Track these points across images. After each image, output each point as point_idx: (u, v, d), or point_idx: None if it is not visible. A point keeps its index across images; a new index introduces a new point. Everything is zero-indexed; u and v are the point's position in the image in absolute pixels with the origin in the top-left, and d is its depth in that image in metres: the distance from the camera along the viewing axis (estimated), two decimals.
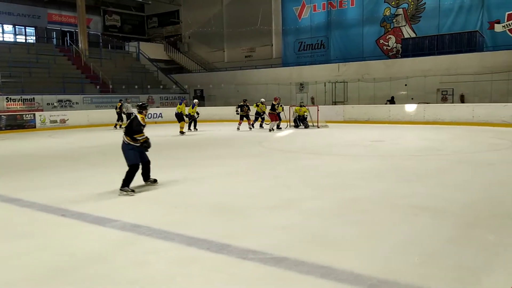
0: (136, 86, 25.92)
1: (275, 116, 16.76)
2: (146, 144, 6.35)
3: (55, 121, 20.37)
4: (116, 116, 19.70)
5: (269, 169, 8.22)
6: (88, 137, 15.98)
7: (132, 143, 6.22)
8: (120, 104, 19.69)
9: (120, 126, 19.23)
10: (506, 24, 20.83)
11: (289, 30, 27.68)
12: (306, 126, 17.20)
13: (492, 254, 3.58)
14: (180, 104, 16.72)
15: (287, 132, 16.17)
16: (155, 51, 31.82)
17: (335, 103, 22.93)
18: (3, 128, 18.61)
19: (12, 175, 8.14)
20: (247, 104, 17.68)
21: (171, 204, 5.46)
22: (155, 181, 6.60)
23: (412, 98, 20.29)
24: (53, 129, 19.55)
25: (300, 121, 17.43)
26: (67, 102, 22.10)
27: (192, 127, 17.33)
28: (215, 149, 11.74)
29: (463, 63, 19.50)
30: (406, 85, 21.03)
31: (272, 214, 4.96)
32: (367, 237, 4.12)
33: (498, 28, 21.06)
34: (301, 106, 17.80)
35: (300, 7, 27.09)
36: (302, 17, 27.21)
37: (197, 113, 17.15)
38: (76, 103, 22.46)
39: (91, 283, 3.23)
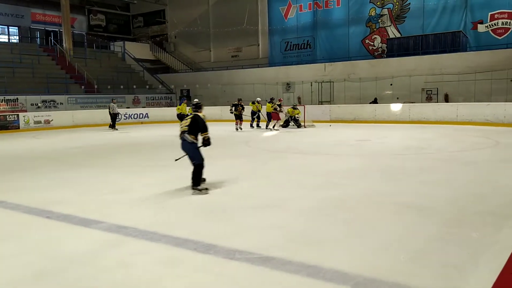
0: (121, 86, 25.70)
1: (278, 115, 17.05)
2: (208, 142, 6.32)
3: (39, 122, 20.09)
4: (109, 117, 19.34)
5: (256, 169, 8.22)
6: (73, 137, 15.80)
7: (195, 141, 6.24)
8: (114, 101, 19.79)
9: (111, 126, 19.16)
10: (489, 25, 21.17)
11: (276, 30, 27.74)
12: (299, 126, 17.40)
13: (476, 251, 3.63)
14: (180, 104, 16.33)
15: (274, 132, 16.20)
16: (141, 51, 31.59)
17: (321, 103, 23.04)
18: None
19: None
20: (242, 103, 17.50)
21: (159, 205, 5.43)
22: (203, 180, 6.46)
23: (397, 98, 20.50)
24: (37, 130, 19.28)
25: (293, 121, 17.63)
26: (52, 102, 21.81)
27: (254, 124, 17.60)
28: (202, 150, 11.68)
29: (447, 63, 19.77)
30: (391, 84, 21.24)
31: (259, 214, 4.96)
32: (354, 235, 4.15)
33: (481, 28, 21.40)
34: (294, 108, 17.84)
35: (286, 7, 27.16)
36: (288, 17, 27.29)
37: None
38: (61, 103, 22.18)
39: (76, 285, 3.20)
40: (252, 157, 9.98)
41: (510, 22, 20.69)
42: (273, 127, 16.87)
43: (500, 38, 20.84)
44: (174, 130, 18.03)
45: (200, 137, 6.25)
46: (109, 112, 19.14)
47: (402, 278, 3.14)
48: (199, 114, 6.31)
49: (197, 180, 6.12)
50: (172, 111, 24.84)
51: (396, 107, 19.09)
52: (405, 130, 15.20)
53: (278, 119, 17.14)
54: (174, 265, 3.51)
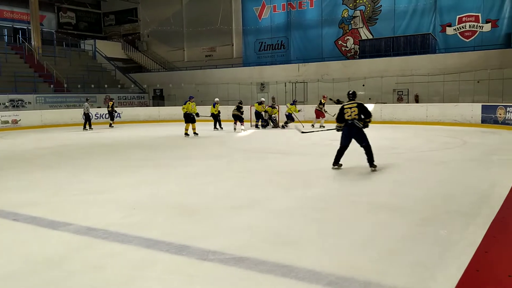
0: (92, 85, 25.19)
1: (322, 113, 17.16)
2: (367, 125, 7.36)
3: (7, 122, 19.48)
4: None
5: (231, 169, 8.19)
6: (42, 138, 15.38)
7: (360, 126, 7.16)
8: (112, 103, 19.95)
9: (111, 125, 19.67)
10: (457, 27, 21.79)
11: (250, 30, 27.76)
12: (275, 126, 17.53)
13: (445, 249, 3.71)
14: (185, 103, 15.05)
15: (250, 131, 16.19)
16: (113, 49, 31.04)
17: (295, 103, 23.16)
18: None
19: None
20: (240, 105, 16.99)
21: (131, 206, 5.32)
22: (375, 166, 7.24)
23: (369, 98, 20.84)
24: (4, 130, 18.67)
25: (271, 121, 17.71)
26: (19, 102, 21.19)
27: (218, 126, 17.35)
28: (178, 150, 11.59)
29: (417, 64, 20.24)
30: (363, 85, 21.57)
31: (234, 214, 4.94)
32: (328, 235, 4.18)
33: (449, 31, 22.01)
34: (272, 107, 17.95)
35: (260, 7, 27.23)
36: (262, 17, 27.36)
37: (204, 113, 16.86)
38: (29, 103, 21.56)
39: None
40: (227, 157, 9.94)
41: (477, 25, 21.35)
42: (319, 126, 16.67)
43: (467, 40, 21.49)
44: (146, 131, 17.90)
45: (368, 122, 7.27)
46: (84, 112, 18.66)
47: (374, 276, 3.18)
48: (359, 102, 7.26)
49: (372, 157, 7.17)
50: (145, 111, 24.63)
51: (368, 107, 19.37)
52: (377, 130, 15.44)
53: (323, 116, 17.16)
54: (145, 267, 3.45)
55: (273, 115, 17.84)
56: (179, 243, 3.91)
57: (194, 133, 14.79)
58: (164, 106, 26.41)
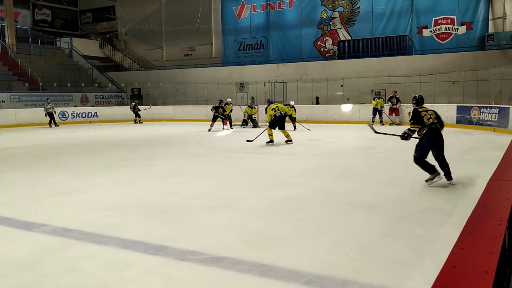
0: (68, 84, 24.71)
1: (397, 110, 17.20)
2: None
3: None
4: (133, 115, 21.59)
5: (208, 169, 8.15)
6: (16, 137, 15.01)
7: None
8: (134, 104, 21.50)
9: (140, 121, 21.25)
10: (433, 30, 22.22)
11: (229, 29, 27.70)
12: (255, 125, 17.59)
13: (421, 247, 3.77)
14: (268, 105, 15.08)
15: (227, 132, 16.15)
16: (90, 47, 30.50)
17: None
18: None
19: None
20: (222, 105, 16.68)
21: (107, 207, 5.24)
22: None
23: (348, 99, 21.06)
24: None
25: (251, 120, 17.79)
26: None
27: (229, 126, 16.96)
28: (154, 149, 11.47)
29: (394, 65, 20.54)
30: (342, 85, 21.78)
31: (211, 214, 4.91)
32: (306, 234, 4.19)
33: (425, 33, 22.42)
34: (251, 107, 18.03)
35: (239, 7, 27.20)
36: (241, 17, 27.33)
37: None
38: (3, 101, 21.00)
39: None
40: (204, 157, 9.89)
41: (452, 28, 21.82)
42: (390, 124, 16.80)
43: (443, 42, 21.94)
44: (123, 130, 17.67)
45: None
46: (45, 113, 19.38)
47: (351, 274, 3.21)
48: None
49: (449, 169, 6.15)
50: (123, 110, 24.28)
51: (346, 107, 19.60)
52: (356, 130, 15.63)
53: (397, 114, 17.26)
54: (122, 268, 3.39)
55: (253, 115, 17.92)
56: (157, 244, 3.86)
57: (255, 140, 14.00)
58: (142, 105, 26.11)
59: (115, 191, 6.13)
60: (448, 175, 6.16)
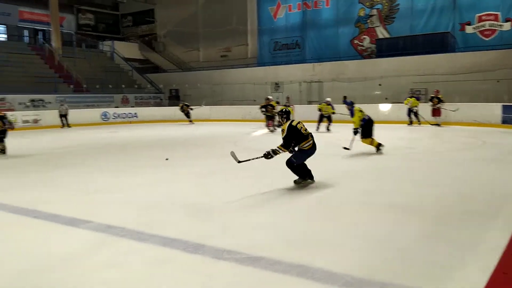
0: (110, 86, 25.51)
1: (438, 111, 16.40)
2: None
3: (27, 121, 19.86)
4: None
5: (245, 169, 8.20)
6: (61, 137, 15.65)
7: None
8: (182, 105, 21.62)
9: (191, 121, 21.24)
10: (476, 26, 21.41)
11: (265, 30, 27.76)
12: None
13: (463, 251, 3.67)
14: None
15: (263, 131, 16.19)
16: (130, 50, 31.40)
17: (310, 102, 23.11)
18: None
19: None
20: (270, 103, 16.12)
21: (146, 205, 5.39)
22: None
23: (386, 98, 20.62)
24: (25, 129, 19.02)
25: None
26: (40, 101, 21.58)
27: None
28: (192, 149, 11.68)
29: (435, 63, 19.94)
30: (380, 85, 21.37)
31: (247, 214, 4.96)
32: (343, 235, 4.16)
33: (468, 29, 21.63)
34: (287, 106, 17.79)
35: (275, 7, 27.20)
36: (277, 17, 27.32)
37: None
38: (49, 102, 21.94)
39: (64, 284, 3.17)
40: (241, 157, 9.95)
41: (496, 24, 20.95)
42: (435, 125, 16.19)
43: (487, 39, 21.10)
44: (162, 130, 18.06)
45: None
46: (59, 114, 20.19)
47: (389, 276, 3.17)
48: None
49: None
50: (161, 110, 24.81)
51: (384, 107, 19.22)
52: (394, 130, 15.30)
53: (439, 115, 16.49)
54: (162, 265, 3.49)
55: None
56: (195, 242, 3.94)
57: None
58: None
59: (154, 190, 6.29)
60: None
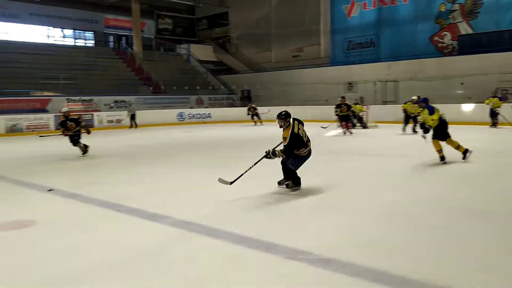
0: (186, 87, 26.57)
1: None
2: None
3: (112, 121, 21.29)
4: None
5: (316, 170, 8.13)
6: (141, 136, 16.57)
7: None
8: (249, 107, 21.93)
9: (260, 122, 21.37)
10: None
11: (338, 29, 27.31)
12: (364, 126, 16.84)
13: None
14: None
15: (334, 132, 15.94)
16: (205, 52, 32.48)
17: (385, 102, 22.36)
18: None
19: (72, 171, 8.60)
20: (345, 102, 15.05)
21: (221, 202, 5.54)
22: None
23: (469, 98, 19.37)
24: (109, 129, 20.42)
25: (358, 120, 16.78)
26: (122, 102, 23.02)
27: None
28: (263, 149, 11.79)
29: None
30: (462, 83, 20.13)
31: (321, 214, 4.93)
32: (420, 241, 3.98)
33: None
34: (357, 103, 17.26)
35: (349, 5, 26.66)
36: (351, 15, 26.76)
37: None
38: (130, 104, 23.35)
39: (142, 276, 3.36)
40: (312, 157, 9.88)
41: None
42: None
43: None
44: (236, 129, 18.47)
45: None
46: (128, 114, 21.15)
47: (468, 286, 2.98)
48: None
49: None
50: (233, 111, 25.33)
51: (467, 107, 18.08)
52: (478, 131, 14.34)
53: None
54: (236, 262, 3.58)
55: (360, 113, 16.97)
56: (268, 241, 3.99)
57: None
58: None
59: (231, 188, 6.44)
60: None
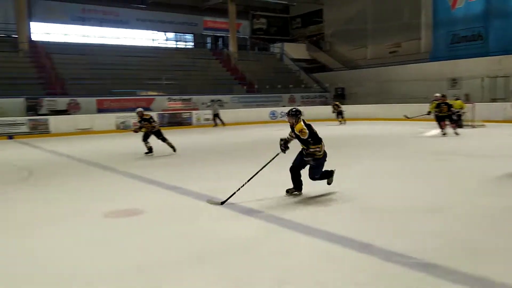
0: (279, 86, 26.87)
1: None
2: None
3: (208, 119, 22.27)
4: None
5: (414, 171, 7.76)
6: (235, 134, 17.14)
7: None
8: (333, 104, 21.71)
9: (343, 121, 20.94)
10: None
11: (441, 22, 25.58)
12: (460, 125, 15.43)
13: None
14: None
15: (433, 132, 14.98)
16: (298, 51, 32.52)
17: (494, 100, 20.51)
18: (165, 125, 21.10)
19: (175, 166, 9.17)
20: (445, 100, 13.73)
21: (314, 200, 5.53)
22: None
23: None
24: (206, 127, 21.40)
25: (456, 117, 15.08)
26: (218, 101, 23.96)
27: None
28: (357, 148, 11.53)
29: None
30: None
31: (418, 217, 4.69)
32: None
33: None
34: (458, 98, 15.96)
35: None
36: (456, 7, 24.91)
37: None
38: (226, 102, 24.23)
39: (238, 267, 3.48)
40: (409, 158, 9.43)
41: None
42: None
43: None
44: (326, 129, 18.22)
45: None
46: (213, 113, 21.47)
47: None
48: None
49: None
50: (325, 109, 25.04)
51: None
52: None
53: None
54: (328, 259, 3.56)
55: (461, 110, 15.48)
56: (363, 241, 3.90)
57: None
58: (345, 105, 26.50)
59: (323, 186, 6.40)
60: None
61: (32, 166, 9.47)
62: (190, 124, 21.90)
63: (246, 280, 3.23)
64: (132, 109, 21.04)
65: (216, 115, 21.80)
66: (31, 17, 25.05)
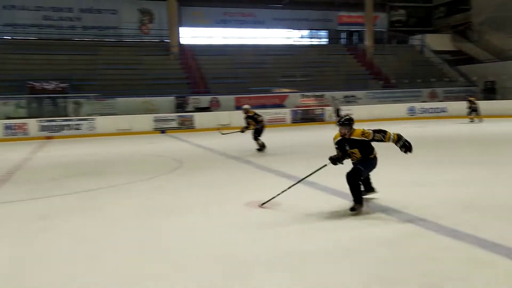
0: (419, 80, 25.26)
1: None
2: None
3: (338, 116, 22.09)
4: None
5: None
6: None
7: None
8: (468, 99, 19.34)
9: (472, 119, 18.57)
10: None
11: None
12: None
13: None
14: None
15: None
16: (441, 42, 30.18)
17: None
18: (299, 121, 21.54)
19: (304, 160, 9.30)
20: None
21: (462, 204, 5.11)
22: None
23: None
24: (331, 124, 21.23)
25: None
26: (352, 97, 23.55)
27: None
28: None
29: None
30: None
31: None
32: None
33: None
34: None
35: None
36: None
37: None
38: (360, 98, 23.66)
39: (377, 266, 3.41)
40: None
41: None
42: None
43: None
44: (454, 127, 16.58)
45: None
46: (334, 109, 20.63)
47: None
48: None
49: None
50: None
51: None
52: None
53: None
54: (481, 266, 3.26)
55: None
56: None
57: None
58: (494, 100, 23.74)
59: (463, 188, 5.90)
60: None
61: (182, 158, 10.52)
62: (322, 121, 21.93)
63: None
64: (267, 106, 21.98)
65: (337, 111, 21.54)
66: (180, 23, 27.68)
